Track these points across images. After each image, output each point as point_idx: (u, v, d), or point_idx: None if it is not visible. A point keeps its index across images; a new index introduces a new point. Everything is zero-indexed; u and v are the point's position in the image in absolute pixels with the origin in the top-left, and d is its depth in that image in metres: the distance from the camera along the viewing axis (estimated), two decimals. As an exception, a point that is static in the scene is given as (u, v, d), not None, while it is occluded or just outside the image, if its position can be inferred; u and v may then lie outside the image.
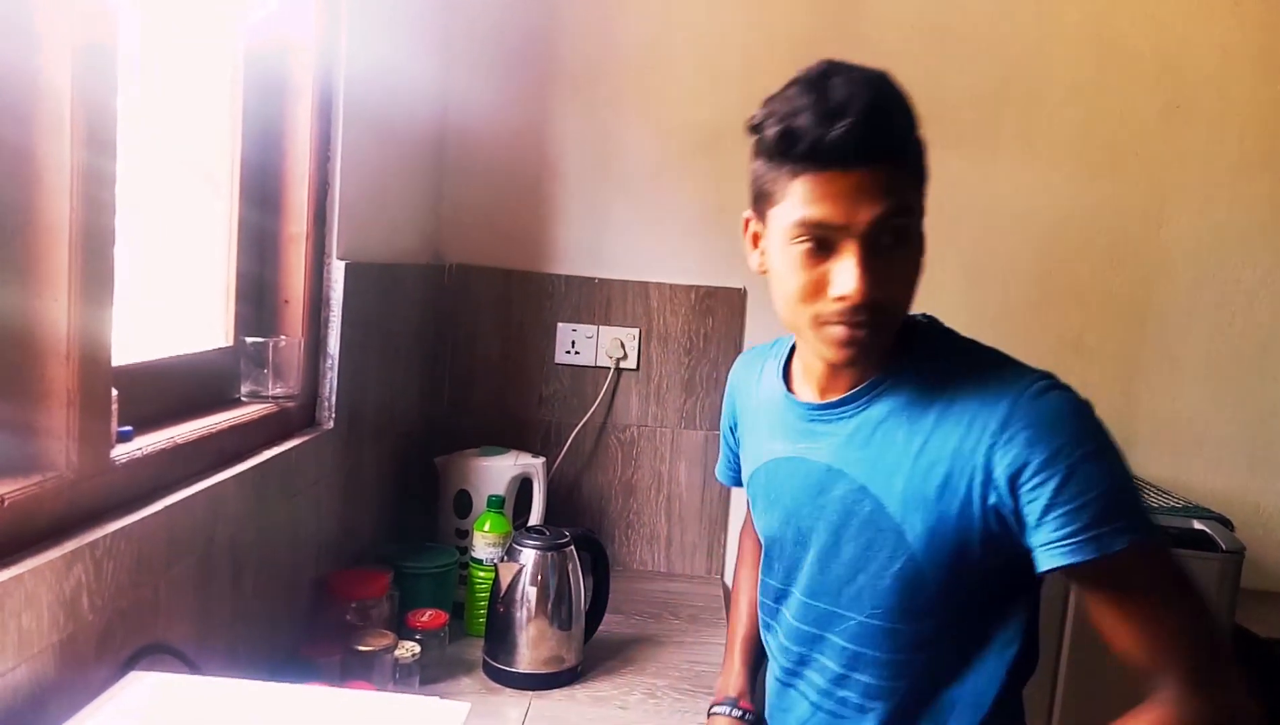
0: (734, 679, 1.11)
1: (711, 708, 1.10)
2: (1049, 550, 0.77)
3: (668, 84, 1.75)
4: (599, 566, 1.41)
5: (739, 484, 1.10)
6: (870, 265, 0.78)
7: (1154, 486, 1.68)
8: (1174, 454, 1.76)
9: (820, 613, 0.93)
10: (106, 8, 0.75)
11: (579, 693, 1.27)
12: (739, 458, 1.09)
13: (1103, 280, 1.77)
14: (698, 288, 1.77)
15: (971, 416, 0.81)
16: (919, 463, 0.83)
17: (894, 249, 0.79)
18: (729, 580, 1.82)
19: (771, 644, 1.04)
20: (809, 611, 0.95)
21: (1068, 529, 0.76)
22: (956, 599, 0.86)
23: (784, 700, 1.02)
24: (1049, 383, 0.81)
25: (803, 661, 0.97)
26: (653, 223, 1.78)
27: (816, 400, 0.91)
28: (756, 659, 1.12)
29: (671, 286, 1.77)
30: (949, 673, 0.89)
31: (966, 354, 0.87)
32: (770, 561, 1.01)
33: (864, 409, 0.87)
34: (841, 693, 0.93)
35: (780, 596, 1.00)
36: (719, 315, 1.78)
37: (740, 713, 1.07)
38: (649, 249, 1.78)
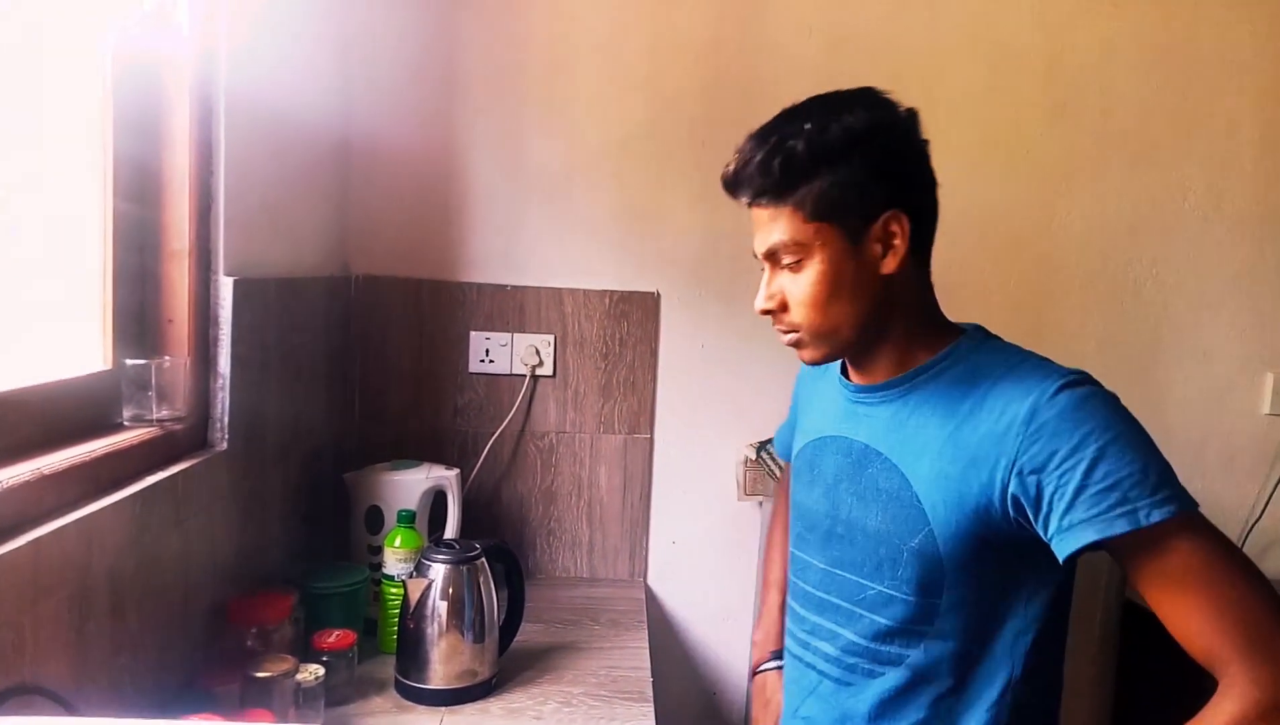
0: (775, 634, 1.19)
1: (758, 667, 1.18)
2: (1085, 526, 0.78)
3: (574, 89, 1.75)
4: (513, 577, 1.40)
5: (788, 457, 1.15)
6: (771, 284, 0.93)
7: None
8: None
9: (843, 582, 0.97)
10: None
11: (493, 706, 1.26)
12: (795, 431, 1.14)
13: (1002, 274, 1.82)
14: (611, 292, 1.77)
15: (1002, 408, 0.85)
16: (948, 446, 0.87)
17: (795, 272, 0.90)
18: (652, 582, 1.82)
19: (797, 622, 1.06)
20: (832, 581, 0.99)
21: (1103, 504, 0.77)
22: (967, 577, 0.88)
23: (793, 671, 1.05)
24: (1078, 378, 0.84)
25: (816, 632, 1.01)
26: (564, 228, 1.77)
27: (862, 384, 0.98)
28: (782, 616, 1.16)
29: (585, 292, 1.77)
30: (958, 650, 0.91)
31: (1003, 353, 0.92)
32: (803, 534, 1.04)
33: (903, 395, 0.93)
34: (851, 659, 0.96)
35: (805, 568, 1.03)
36: (633, 319, 1.78)
37: (771, 664, 1.16)
38: (561, 254, 1.77)
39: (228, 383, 1.21)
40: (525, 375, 1.76)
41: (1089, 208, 1.81)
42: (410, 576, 1.29)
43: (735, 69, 1.75)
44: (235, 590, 1.25)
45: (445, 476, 1.56)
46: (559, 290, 1.77)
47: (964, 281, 1.81)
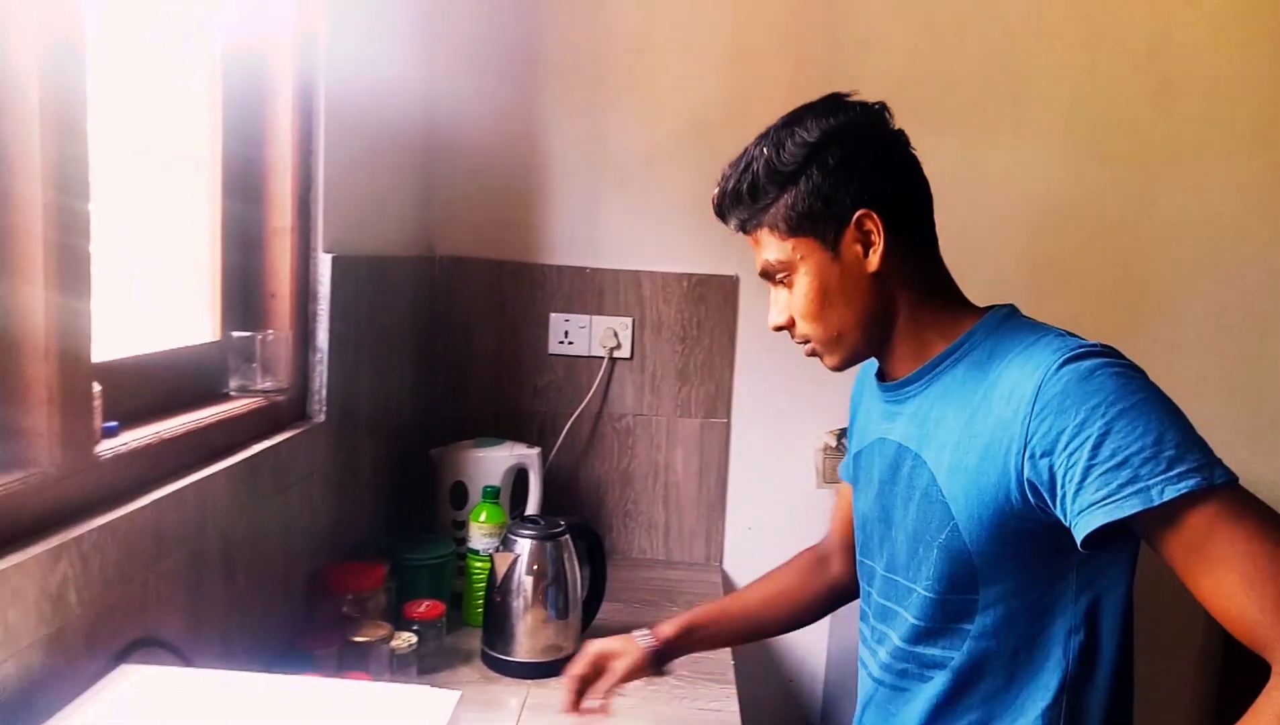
0: (667, 622, 1.11)
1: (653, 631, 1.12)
2: (1095, 509, 0.73)
3: (655, 71, 1.75)
4: (595, 555, 1.41)
5: (845, 477, 1.12)
6: (776, 301, 0.95)
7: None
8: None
9: (896, 587, 0.95)
10: (72, 2, 0.74)
11: (577, 681, 1.27)
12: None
13: (1097, 262, 1.75)
14: (690, 276, 1.77)
15: (1011, 388, 0.81)
16: (965, 435, 0.85)
17: (790, 287, 0.92)
18: (727, 567, 1.82)
19: (863, 629, 1.04)
20: (888, 586, 0.97)
21: (1111, 486, 0.72)
22: (999, 573, 0.85)
23: (861, 682, 1.03)
24: (1087, 349, 0.79)
25: (877, 638, 0.99)
26: (644, 211, 1.77)
27: (890, 382, 0.97)
28: (706, 625, 1.13)
29: (664, 275, 1.77)
30: (1004, 649, 0.87)
31: (1020, 332, 0.87)
32: (867, 542, 1.02)
33: (925, 387, 0.92)
34: (901, 665, 0.94)
35: (870, 575, 1.01)
36: (712, 302, 1.77)
37: (644, 634, 1.09)
38: (640, 237, 1.77)
39: (325, 357, 1.24)
40: (603, 357, 1.77)
41: (1192, 193, 1.73)
42: (496, 550, 1.31)
43: (820, 51, 1.73)
44: (330, 558, 1.29)
45: (527, 454, 1.58)
46: (637, 273, 1.77)
47: (1052, 267, 1.76)
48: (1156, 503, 0.71)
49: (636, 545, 1.82)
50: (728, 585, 1.79)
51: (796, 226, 0.88)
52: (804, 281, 0.90)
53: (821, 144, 0.87)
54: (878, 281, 0.89)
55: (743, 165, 0.90)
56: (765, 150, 0.88)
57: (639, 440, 1.80)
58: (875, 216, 0.87)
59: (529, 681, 1.26)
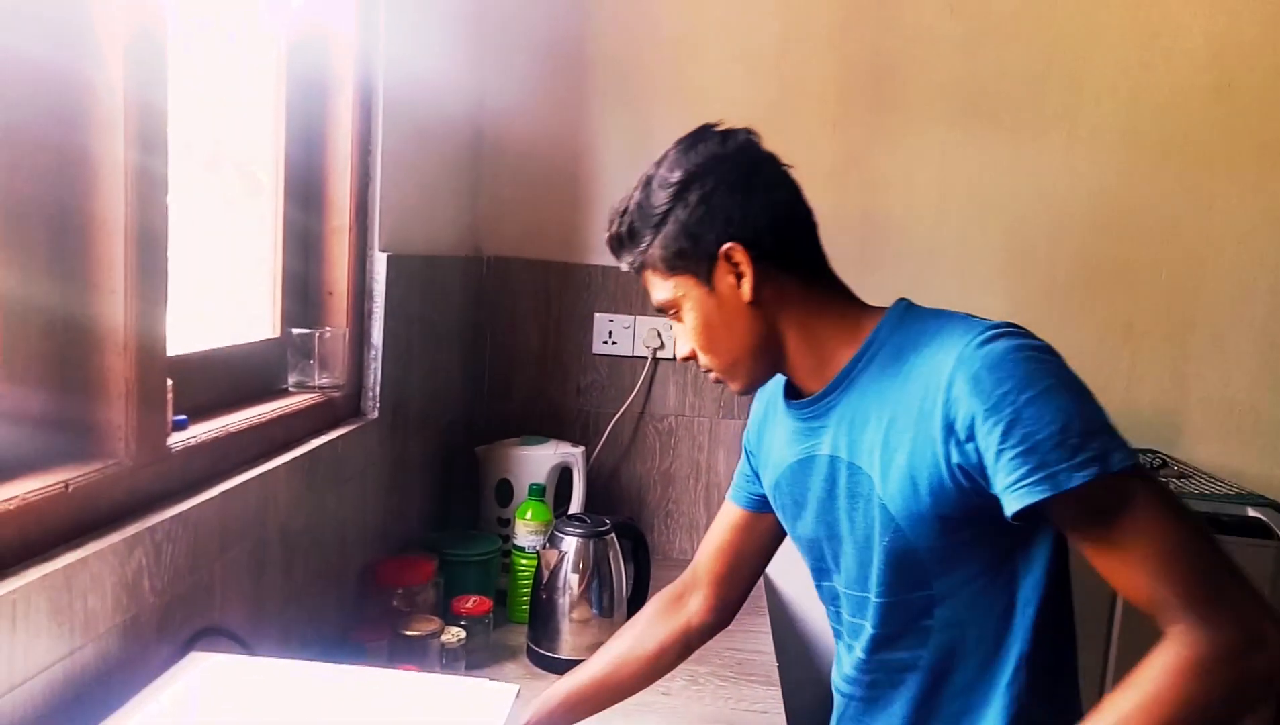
0: (539, 699, 1.04)
1: None
2: (1007, 494, 0.75)
3: (703, 71, 1.75)
4: (639, 554, 1.42)
5: (749, 505, 1.10)
6: (676, 334, 0.95)
7: (1205, 473, 1.64)
8: (1226, 440, 1.72)
9: (856, 601, 0.94)
10: (155, 6, 0.77)
11: (622, 679, 1.28)
12: (755, 477, 1.08)
13: (1151, 262, 1.72)
14: (735, 276, 1.76)
15: (926, 380, 0.82)
16: (890, 433, 0.85)
17: (681, 322, 0.93)
18: (770, 570, 1.80)
19: (839, 649, 1.03)
20: (850, 602, 0.96)
21: (1021, 471, 0.74)
22: (950, 563, 0.85)
23: (837, 706, 1.02)
24: (997, 331, 0.80)
25: (848, 652, 0.98)
26: (689, 211, 1.77)
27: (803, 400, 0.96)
28: (557, 713, 1.04)
29: (708, 275, 1.77)
30: (971, 636, 0.88)
31: (923, 321, 0.88)
32: (819, 564, 1.01)
33: (844, 395, 0.90)
34: (870, 676, 0.93)
35: (835, 597, 1.00)
36: (756, 303, 1.76)
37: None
38: (685, 238, 1.77)
39: (380, 354, 1.26)
40: (646, 357, 1.78)
41: (1252, 196, 1.69)
42: (543, 548, 1.32)
43: (868, 50, 1.71)
44: (380, 553, 1.31)
45: (572, 453, 1.60)
46: (682, 273, 1.77)
47: (1104, 269, 1.73)
48: (1065, 488, 0.73)
49: (677, 546, 1.82)
50: (770, 589, 1.78)
51: (672, 265, 0.90)
52: (690, 316, 0.91)
53: (684, 183, 0.88)
54: (758, 308, 0.90)
55: (622, 210, 0.93)
56: (637, 194, 0.92)
57: (681, 440, 1.80)
58: (740, 248, 0.87)
59: (574, 678, 1.27)
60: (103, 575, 0.71)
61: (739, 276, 0.88)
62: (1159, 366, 1.73)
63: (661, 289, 0.92)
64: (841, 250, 1.80)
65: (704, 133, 0.92)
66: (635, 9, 1.74)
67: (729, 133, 0.92)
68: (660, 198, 0.90)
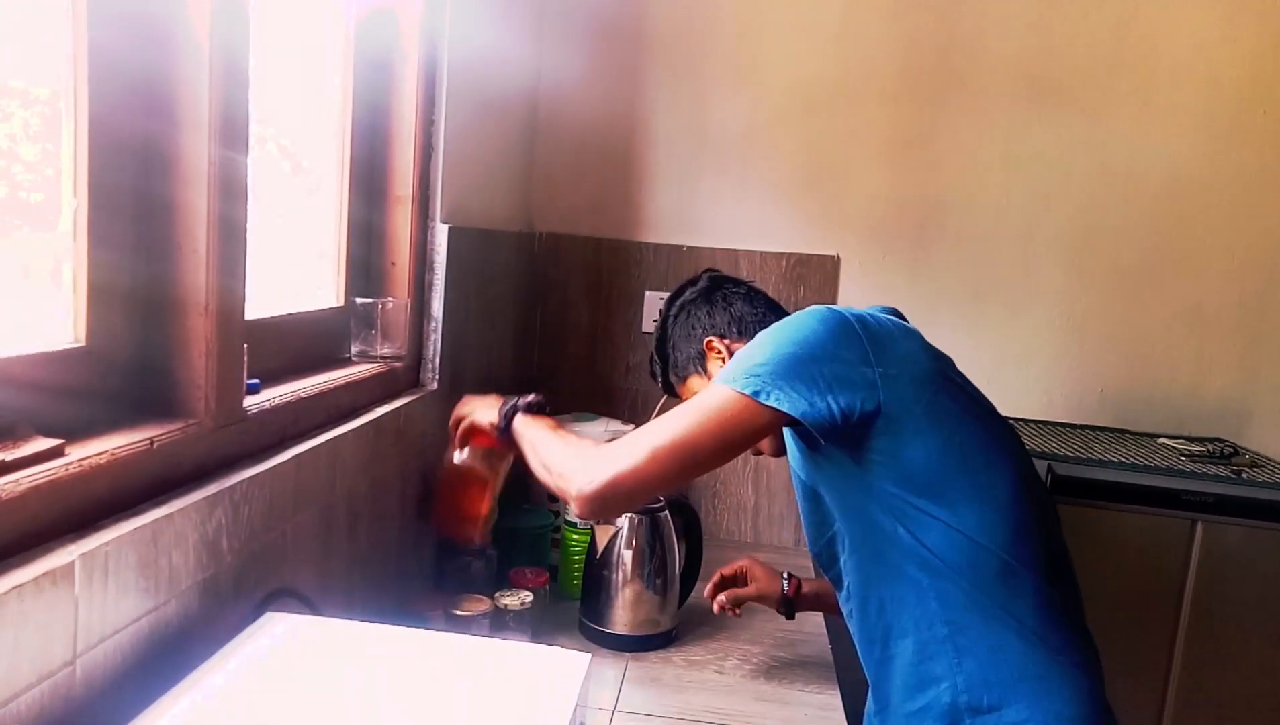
0: (809, 581, 1.32)
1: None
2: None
3: (761, 47, 1.72)
4: (691, 532, 1.41)
5: None
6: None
7: (1277, 462, 1.59)
8: (1296, 430, 1.67)
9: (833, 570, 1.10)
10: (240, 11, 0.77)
11: (675, 656, 1.28)
12: None
13: (1224, 247, 1.67)
14: (789, 255, 1.74)
15: None
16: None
17: None
18: (817, 552, 1.80)
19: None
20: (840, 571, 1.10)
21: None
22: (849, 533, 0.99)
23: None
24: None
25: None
26: (743, 189, 1.75)
27: None
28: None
29: (762, 254, 1.75)
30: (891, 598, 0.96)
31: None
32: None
33: None
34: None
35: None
36: (811, 283, 1.74)
37: (788, 579, 1.29)
38: (739, 216, 1.76)
39: (439, 325, 1.27)
40: (698, 336, 1.76)
41: (1332, 176, 1.63)
42: (597, 523, 1.32)
43: (932, 27, 1.67)
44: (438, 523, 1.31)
45: (623, 430, 1.59)
46: (735, 251, 1.75)
47: (1174, 250, 1.68)
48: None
49: (724, 527, 1.81)
50: (816, 571, 1.77)
51: (683, 372, 1.22)
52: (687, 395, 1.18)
53: (671, 317, 1.24)
54: None
55: (650, 355, 1.29)
56: (655, 337, 1.27)
57: (730, 421, 1.79)
58: (715, 340, 1.17)
59: (627, 654, 1.27)
60: (186, 532, 0.71)
61: (722, 359, 1.15)
62: (1228, 353, 1.67)
63: (685, 391, 1.21)
64: (898, 228, 1.79)
65: (678, 288, 1.26)
66: (693, -18, 1.71)
67: (700, 274, 1.25)
68: (661, 332, 1.26)
